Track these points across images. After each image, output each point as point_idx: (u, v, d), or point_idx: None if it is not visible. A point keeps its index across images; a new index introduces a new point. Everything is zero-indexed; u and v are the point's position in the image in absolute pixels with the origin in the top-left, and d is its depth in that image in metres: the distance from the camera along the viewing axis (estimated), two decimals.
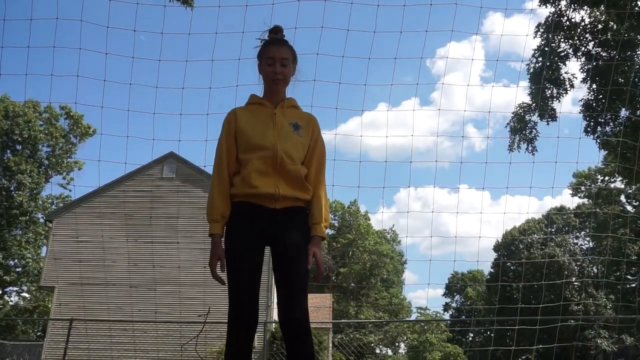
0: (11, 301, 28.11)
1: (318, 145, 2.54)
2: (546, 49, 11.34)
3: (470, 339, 40.88)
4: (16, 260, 26.59)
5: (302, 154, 2.46)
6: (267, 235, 2.37)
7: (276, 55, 2.49)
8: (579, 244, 33.56)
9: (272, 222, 2.37)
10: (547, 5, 11.22)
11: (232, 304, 2.32)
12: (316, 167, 2.51)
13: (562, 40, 11.46)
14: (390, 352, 36.84)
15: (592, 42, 11.28)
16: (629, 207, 29.13)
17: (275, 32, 2.60)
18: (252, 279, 2.34)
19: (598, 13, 10.92)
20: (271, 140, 2.40)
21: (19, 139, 25.86)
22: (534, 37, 11.42)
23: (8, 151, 25.99)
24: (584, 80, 11.50)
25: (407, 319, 39.68)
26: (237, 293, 2.31)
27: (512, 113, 11.91)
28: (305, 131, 2.50)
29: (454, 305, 48.05)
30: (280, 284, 2.34)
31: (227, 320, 2.31)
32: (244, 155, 2.42)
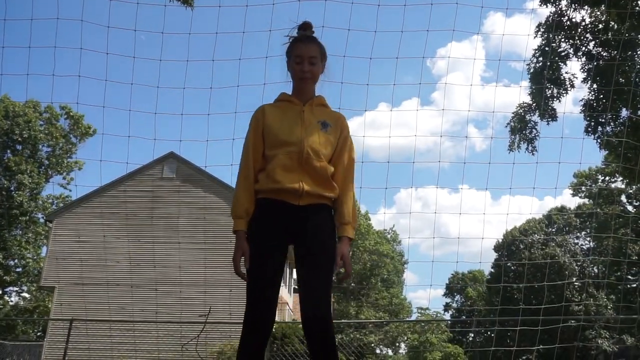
0: (11, 301, 28.14)
1: (347, 145, 2.51)
2: (547, 48, 11.33)
3: (471, 339, 40.85)
4: (16, 261, 26.59)
5: (329, 152, 2.44)
6: (291, 232, 2.35)
7: (304, 54, 2.47)
8: (579, 244, 33.54)
9: (295, 219, 2.34)
10: (548, 5, 11.20)
11: (251, 302, 2.29)
12: (345, 167, 2.49)
13: (562, 40, 11.44)
14: (390, 352, 36.81)
15: (593, 42, 11.26)
16: (629, 207, 29.11)
17: (304, 29, 2.57)
18: (274, 276, 2.31)
19: (599, 13, 10.90)
20: (298, 137, 2.38)
21: (19, 139, 25.86)
22: (535, 37, 11.41)
23: (8, 151, 25.99)
24: (584, 80, 11.49)
25: (407, 319, 39.66)
26: (258, 290, 2.29)
27: (513, 113, 11.90)
28: (333, 129, 2.48)
29: (454, 305, 48.02)
30: (304, 282, 2.32)
31: (243, 318, 2.29)
32: (271, 151, 2.40)
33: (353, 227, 2.44)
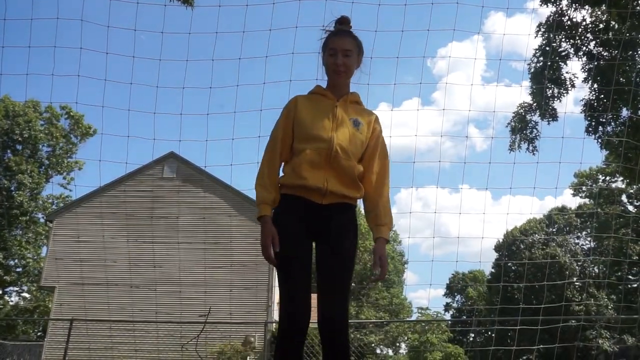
0: (11, 301, 28.09)
1: (380, 144, 2.47)
2: (547, 48, 11.32)
3: (471, 339, 40.83)
4: (16, 260, 26.56)
5: (359, 150, 2.39)
6: (314, 231, 2.31)
7: (338, 46, 2.43)
8: (580, 244, 33.51)
9: (318, 218, 2.30)
10: (549, 4, 11.19)
11: (284, 307, 2.24)
12: (379, 166, 2.45)
13: (563, 39, 11.43)
14: (391, 352, 36.77)
15: (594, 42, 11.25)
16: (630, 207, 29.09)
17: (341, 23, 2.55)
18: (304, 278, 2.26)
19: (599, 12, 10.89)
20: (328, 133, 2.33)
21: (20, 139, 25.84)
22: (535, 37, 11.41)
23: (8, 151, 25.97)
24: (585, 80, 11.48)
25: (407, 319, 39.61)
26: (288, 294, 2.24)
27: (513, 113, 11.89)
28: (365, 128, 2.43)
29: (455, 305, 48.00)
30: (323, 283, 2.28)
31: (278, 323, 2.25)
32: (299, 144, 2.35)
33: (389, 228, 2.39)
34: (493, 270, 33.89)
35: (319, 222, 2.30)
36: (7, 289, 27.31)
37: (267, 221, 2.30)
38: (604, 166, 24.66)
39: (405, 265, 41.55)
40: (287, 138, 2.40)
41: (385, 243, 2.36)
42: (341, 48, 2.42)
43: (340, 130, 2.35)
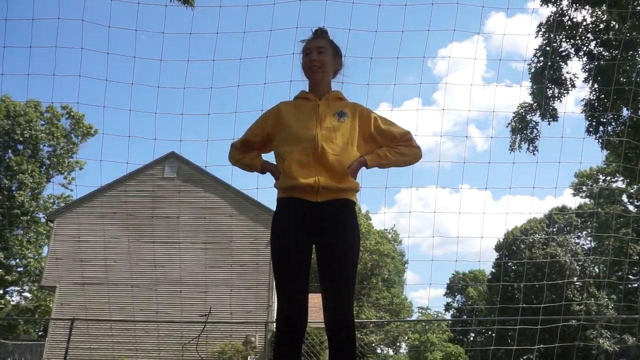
0: (13, 301, 28.13)
1: (370, 115, 2.53)
2: (547, 48, 11.31)
3: (472, 338, 40.84)
4: (18, 260, 26.60)
5: (350, 136, 2.42)
6: (311, 231, 2.31)
7: (312, 45, 2.54)
8: (580, 244, 33.52)
9: (314, 216, 2.30)
10: (549, 4, 11.19)
11: (280, 308, 2.27)
12: (383, 129, 2.52)
13: (563, 39, 11.43)
14: (391, 352, 36.79)
15: (594, 42, 11.25)
16: (630, 207, 29.09)
17: (315, 32, 2.65)
18: (301, 280, 2.28)
19: (600, 12, 10.90)
20: (312, 132, 2.36)
21: (21, 139, 25.86)
22: (536, 37, 11.40)
23: (9, 151, 26.00)
24: (585, 80, 11.47)
25: (408, 318, 39.63)
26: (285, 296, 2.27)
27: (514, 113, 11.88)
28: (350, 115, 2.47)
29: (455, 305, 48.02)
30: (325, 284, 2.29)
31: (275, 324, 2.31)
32: (286, 148, 2.39)
33: (378, 159, 2.47)
34: (493, 270, 33.91)
35: (316, 222, 2.30)
36: (8, 289, 27.34)
37: (265, 163, 2.55)
38: (604, 166, 24.66)
39: (406, 265, 41.59)
40: (259, 134, 2.55)
41: (364, 163, 2.44)
42: (315, 46, 2.53)
43: (324, 127, 2.38)
